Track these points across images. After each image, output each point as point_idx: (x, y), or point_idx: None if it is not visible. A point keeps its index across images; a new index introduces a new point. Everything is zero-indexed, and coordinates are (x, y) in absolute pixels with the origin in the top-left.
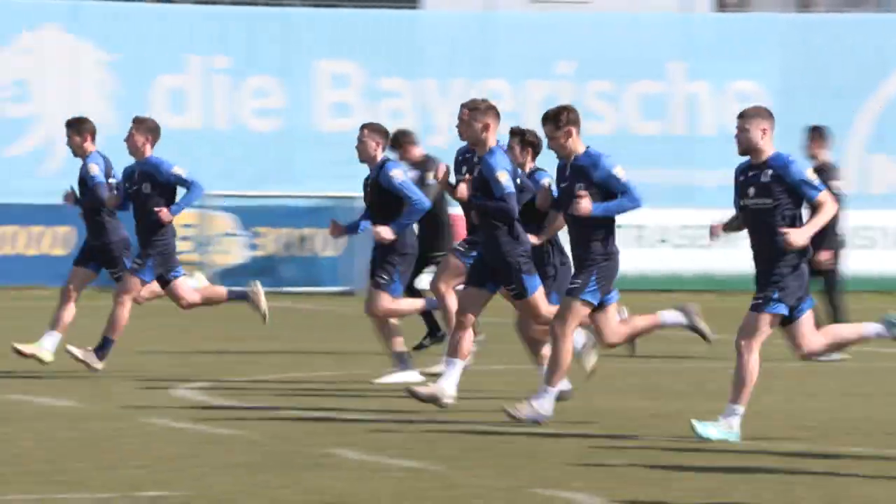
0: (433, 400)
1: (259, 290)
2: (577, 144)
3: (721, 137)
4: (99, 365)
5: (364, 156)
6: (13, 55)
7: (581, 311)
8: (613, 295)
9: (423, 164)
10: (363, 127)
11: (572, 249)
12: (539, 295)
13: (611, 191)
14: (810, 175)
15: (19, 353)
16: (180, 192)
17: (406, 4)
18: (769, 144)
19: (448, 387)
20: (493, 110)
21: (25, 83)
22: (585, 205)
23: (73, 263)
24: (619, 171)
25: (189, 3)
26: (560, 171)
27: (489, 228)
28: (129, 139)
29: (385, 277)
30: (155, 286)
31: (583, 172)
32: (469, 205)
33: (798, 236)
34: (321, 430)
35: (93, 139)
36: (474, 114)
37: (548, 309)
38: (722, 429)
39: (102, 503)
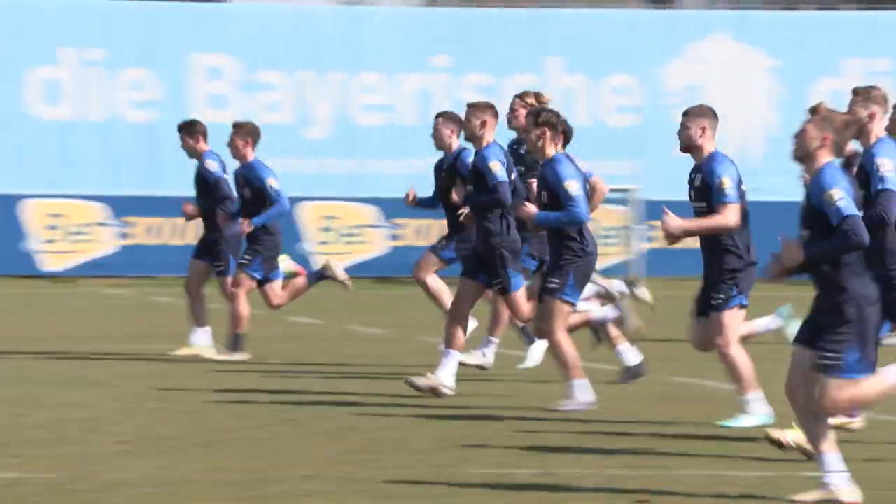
0: (432, 391)
1: (331, 263)
2: (548, 148)
3: None
4: (239, 356)
5: (440, 143)
6: (685, 64)
7: (564, 310)
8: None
9: (850, 160)
10: (438, 115)
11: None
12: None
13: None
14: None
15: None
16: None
17: None
18: (710, 143)
19: (445, 378)
20: (491, 108)
21: (697, 88)
22: (529, 210)
23: (191, 257)
24: (570, 185)
25: (850, 9)
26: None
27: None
28: (231, 144)
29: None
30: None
31: (544, 177)
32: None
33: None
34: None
35: (205, 139)
36: (472, 111)
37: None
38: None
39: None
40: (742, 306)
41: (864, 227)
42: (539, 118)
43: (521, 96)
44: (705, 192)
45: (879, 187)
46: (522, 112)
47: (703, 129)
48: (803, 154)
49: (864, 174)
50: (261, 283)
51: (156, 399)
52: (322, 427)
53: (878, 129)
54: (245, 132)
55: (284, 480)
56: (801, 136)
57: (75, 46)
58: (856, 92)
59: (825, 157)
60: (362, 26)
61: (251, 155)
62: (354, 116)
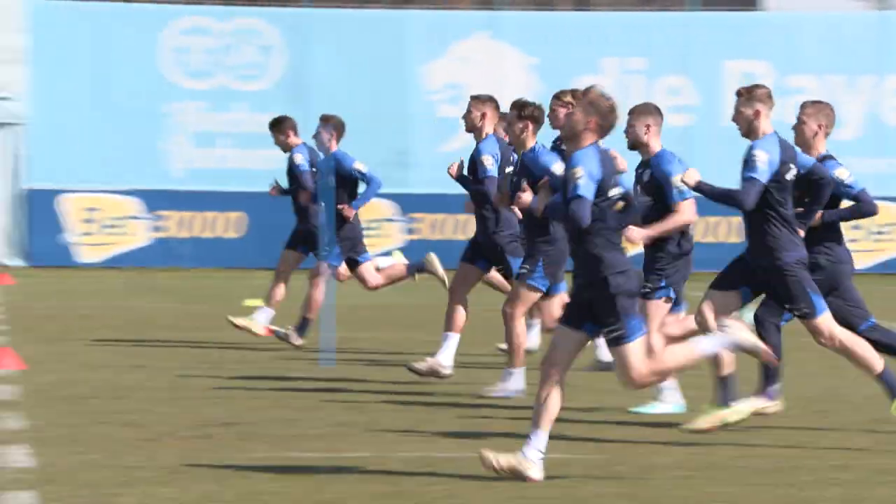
0: (432, 373)
1: (432, 258)
2: (530, 140)
3: None
4: (299, 341)
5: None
6: None
7: (530, 296)
8: (562, 285)
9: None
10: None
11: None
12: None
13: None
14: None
15: (233, 324)
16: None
17: None
18: (655, 140)
19: (444, 360)
20: (492, 101)
21: None
22: (525, 199)
23: (284, 247)
24: (556, 167)
25: None
26: (515, 163)
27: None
28: (317, 136)
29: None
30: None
31: (527, 167)
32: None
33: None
34: None
35: (295, 133)
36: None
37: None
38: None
39: None
40: (668, 299)
41: (587, 212)
42: (523, 112)
43: (558, 96)
44: (654, 189)
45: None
46: (561, 111)
47: (648, 127)
48: (571, 134)
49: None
50: (353, 266)
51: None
52: (855, 418)
53: (765, 125)
54: (332, 126)
55: (816, 469)
56: (569, 118)
57: (618, 56)
58: (739, 93)
59: (589, 139)
60: (892, 30)
61: (334, 146)
62: (885, 118)
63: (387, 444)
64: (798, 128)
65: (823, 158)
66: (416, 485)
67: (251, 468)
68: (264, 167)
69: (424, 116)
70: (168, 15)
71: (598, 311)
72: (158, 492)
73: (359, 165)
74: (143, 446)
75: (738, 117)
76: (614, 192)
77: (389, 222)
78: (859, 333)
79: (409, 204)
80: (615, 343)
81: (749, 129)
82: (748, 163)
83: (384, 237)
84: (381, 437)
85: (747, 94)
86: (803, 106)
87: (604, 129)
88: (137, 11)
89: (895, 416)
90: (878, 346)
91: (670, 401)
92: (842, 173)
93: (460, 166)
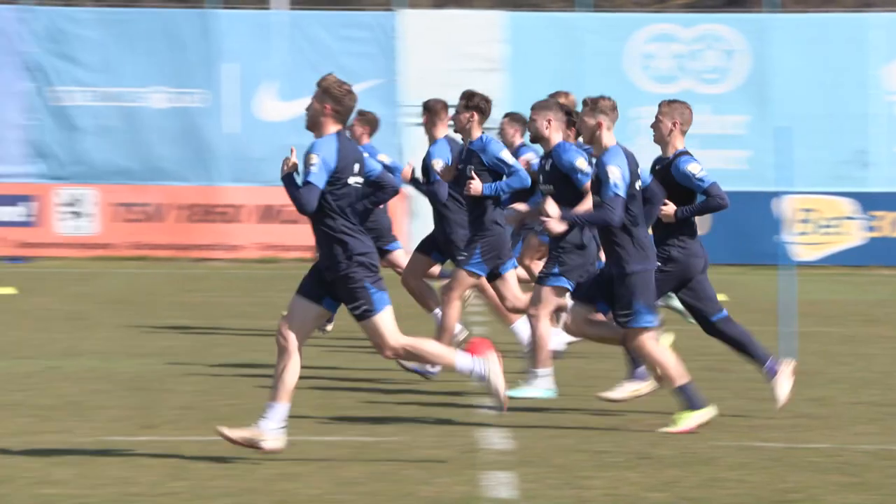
0: None
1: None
2: (476, 130)
3: None
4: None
5: (505, 141)
6: None
7: (468, 280)
8: (509, 264)
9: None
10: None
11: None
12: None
13: (499, 173)
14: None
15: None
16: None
17: None
18: (556, 134)
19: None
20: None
21: None
22: (475, 186)
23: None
24: (505, 155)
25: None
26: (460, 152)
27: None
28: (350, 129)
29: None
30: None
31: (474, 156)
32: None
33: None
34: None
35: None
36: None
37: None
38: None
39: None
40: (563, 288)
41: (314, 199)
42: (470, 102)
43: (552, 97)
44: (557, 177)
45: (610, 194)
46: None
47: (549, 121)
48: (312, 124)
49: (597, 181)
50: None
51: None
52: None
53: (607, 138)
54: (365, 121)
55: None
56: (309, 108)
57: None
58: (585, 102)
59: (330, 126)
60: None
61: (366, 140)
62: None
63: (847, 436)
64: (655, 126)
65: (679, 154)
66: (879, 477)
67: (714, 456)
68: (724, 166)
69: (884, 116)
70: (635, 23)
71: (339, 292)
72: (627, 476)
73: (383, 157)
74: (613, 432)
75: (581, 126)
76: (354, 179)
77: (850, 220)
78: (712, 325)
79: (870, 202)
80: (362, 318)
81: (592, 140)
82: (604, 181)
83: (844, 234)
84: (841, 430)
85: (592, 105)
86: (660, 105)
87: (341, 114)
88: (606, 20)
89: None
90: (726, 339)
91: (541, 386)
92: (694, 168)
93: (413, 170)
